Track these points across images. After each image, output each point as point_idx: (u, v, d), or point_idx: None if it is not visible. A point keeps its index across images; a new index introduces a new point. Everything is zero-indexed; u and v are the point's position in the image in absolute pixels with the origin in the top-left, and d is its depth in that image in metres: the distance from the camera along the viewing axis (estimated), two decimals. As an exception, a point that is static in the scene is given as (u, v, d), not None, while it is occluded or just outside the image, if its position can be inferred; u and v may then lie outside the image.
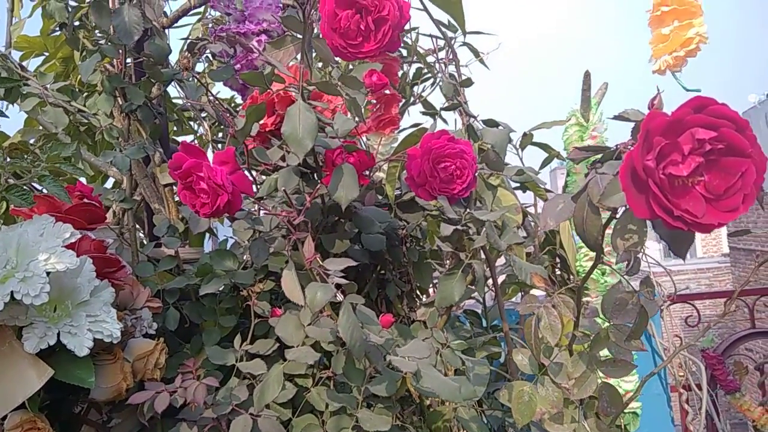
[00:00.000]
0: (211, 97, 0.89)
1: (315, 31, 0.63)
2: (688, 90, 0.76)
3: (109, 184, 1.40)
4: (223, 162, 0.62)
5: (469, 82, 0.83)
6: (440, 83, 1.38)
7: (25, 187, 0.68)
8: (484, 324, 1.28)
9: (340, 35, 0.53)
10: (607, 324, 0.65)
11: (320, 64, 1.18)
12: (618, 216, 0.49)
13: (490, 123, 0.79)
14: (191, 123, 1.36)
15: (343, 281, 0.55)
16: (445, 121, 1.43)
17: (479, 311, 1.30)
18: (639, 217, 0.42)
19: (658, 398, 1.76)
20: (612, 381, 0.78)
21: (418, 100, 1.42)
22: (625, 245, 0.47)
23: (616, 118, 0.47)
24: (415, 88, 1.44)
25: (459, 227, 0.69)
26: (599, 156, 0.49)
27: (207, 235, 1.36)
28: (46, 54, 1.46)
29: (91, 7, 0.85)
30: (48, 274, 0.62)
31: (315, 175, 0.74)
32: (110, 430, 0.82)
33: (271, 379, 0.63)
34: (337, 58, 0.87)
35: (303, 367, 0.73)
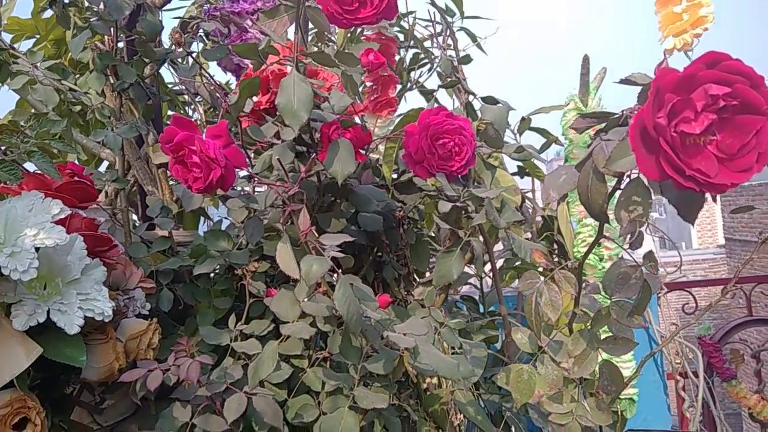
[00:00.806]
0: (206, 79, 0.87)
1: (309, 2, 0.61)
2: None
3: (103, 168, 1.38)
4: (216, 136, 0.61)
5: (467, 59, 0.81)
6: (438, 64, 1.37)
7: (13, 163, 0.67)
8: (481, 309, 1.27)
9: (336, 1, 0.52)
10: (608, 302, 0.64)
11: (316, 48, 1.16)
12: (622, 187, 0.48)
13: (490, 100, 0.77)
14: (186, 108, 1.34)
15: (340, 254, 0.54)
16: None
17: (476, 298, 1.29)
18: (649, 178, 0.40)
19: (655, 385, 1.76)
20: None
21: (414, 86, 1.41)
22: (630, 217, 0.46)
23: (622, 81, 0.46)
24: (412, 74, 1.43)
25: (458, 204, 0.67)
26: (603, 125, 0.48)
27: (201, 219, 1.35)
28: (38, 36, 1.44)
29: (81, -18, 0.83)
30: (37, 249, 0.61)
31: (310, 152, 0.73)
32: (103, 412, 0.81)
33: (265, 356, 0.62)
34: (332, 38, 0.86)
35: (299, 347, 0.72)
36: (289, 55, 0.61)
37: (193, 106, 1.26)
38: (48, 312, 0.63)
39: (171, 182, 1.07)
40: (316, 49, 0.84)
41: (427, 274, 1.02)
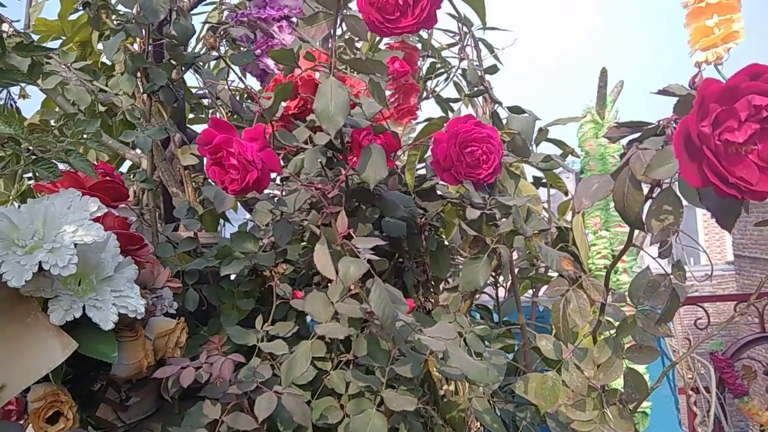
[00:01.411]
0: (231, 83, 0.89)
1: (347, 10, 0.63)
2: None
3: (124, 168, 1.40)
4: (253, 139, 0.62)
5: (494, 69, 0.82)
6: (455, 76, 1.38)
7: (51, 161, 0.68)
8: (496, 318, 1.28)
9: (378, 9, 0.53)
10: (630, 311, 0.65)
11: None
12: (654, 196, 0.49)
13: (516, 110, 0.79)
14: (207, 111, 1.36)
15: (375, 257, 0.55)
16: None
17: (490, 306, 1.30)
18: (691, 185, 0.41)
19: (667, 400, 1.76)
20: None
21: (431, 95, 1.42)
22: (662, 225, 0.47)
23: (660, 92, 0.47)
24: (429, 83, 1.45)
25: (485, 212, 0.69)
26: (637, 135, 0.49)
27: (221, 222, 1.37)
28: (63, 38, 1.47)
29: (116, -13, 0.85)
30: (75, 246, 0.62)
31: (339, 157, 0.74)
32: (127, 409, 0.82)
33: (298, 355, 0.63)
34: (358, 44, 0.87)
35: (323, 349, 0.73)
36: (325, 61, 0.62)
37: (214, 109, 1.28)
38: (83, 308, 0.64)
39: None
40: (346, 56, 0.86)
41: (450, 281, 1.03)
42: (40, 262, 0.60)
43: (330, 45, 0.59)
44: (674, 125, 0.45)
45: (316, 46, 0.62)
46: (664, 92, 0.47)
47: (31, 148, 0.71)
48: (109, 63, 1.40)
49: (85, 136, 0.75)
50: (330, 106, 0.57)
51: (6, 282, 0.59)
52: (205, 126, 1.49)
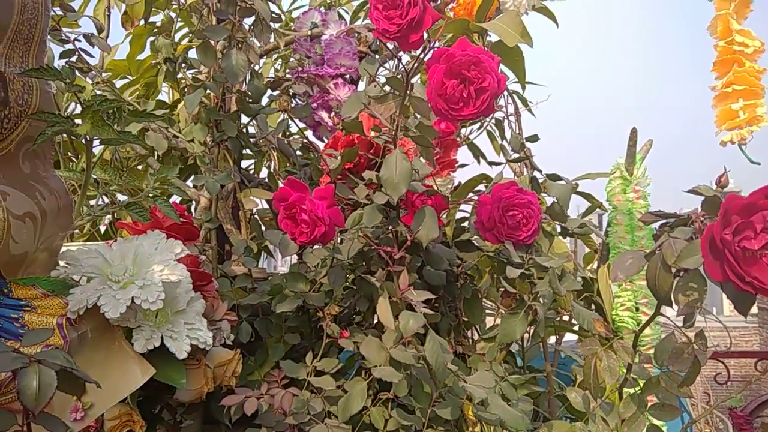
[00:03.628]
0: (293, 137, 0.98)
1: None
2: (752, 162, 0.83)
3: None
4: (323, 197, 0.71)
5: (535, 138, 0.90)
6: (486, 127, 1.48)
7: (141, 204, 0.77)
8: (519, 362, 1.33)
9: (444, 100, 0.62)
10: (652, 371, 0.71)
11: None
12: (681, 275, 0.55)
13: (554, 177, 0.86)
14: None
15: (429, 312, 0.63)
16: (490, 164, 1.52)
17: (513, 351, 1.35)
18: (714, 280, 0.48)
19: (684, 453, 1.77)
20: None
21: (464, 143, 1.51)
22: (687, 300, 0.54)
23: (690, 191, 0.55)
24: (463, 131, 1.53)
25: (524, 271, 0.76)
26: (667, 220, 0.56)
27: (262, 254, 1.45)
28: (129, 78, 1.59)
29: (197, 48, 0.96)
30: (162, 283, 0.70)
31: (393, 212, 0.82)
32: (180, 431, 0.90)
33: (355, 392, 0.70)
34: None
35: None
36: (389, 134, 0.71)
37: (268, 155, 1.37)
38: (162, 338, 0.72)
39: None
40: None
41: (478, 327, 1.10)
42: (132, 297, 0.68)
43: (397, 121, 0.68)
44: (701, 220, 0.53)
45: (382, 119, 0.71)
46: (693, 192, 0.54)
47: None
48: (167, 101, 1.51)
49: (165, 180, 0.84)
50: (395, 176, 0.65)
51: (103, 313, 0.67)
52: (252, 161, 1.59)
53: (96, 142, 0.72)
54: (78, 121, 0.66)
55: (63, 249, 0.75)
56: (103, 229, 1.45)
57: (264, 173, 1.48)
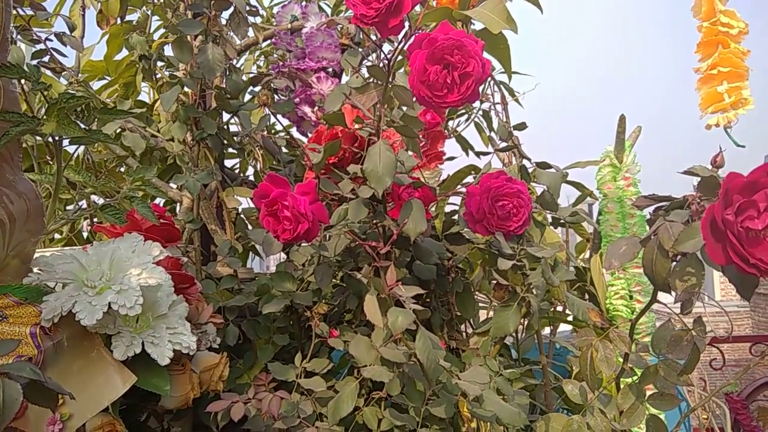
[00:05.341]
0: (276, 132, 0.96)
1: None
2: (738, 145, 0.82)
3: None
4: (305, 193, 0.68)
5: (523, 126, 0.88)
6: (475, 115, 1.46)
7: (117, 206, 0.74)
8: (514, 355, 1.32)
9: (427, 86, 0.59)
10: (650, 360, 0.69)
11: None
12: (678, 260, 0.53)
13: (543, 165, 0.84)
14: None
15: (418, 308, 0.60)
16: (478, 155, 1.50)
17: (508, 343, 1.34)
18: (716, 263, 0.46)
19: (682, 440, 1.76)
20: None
21: (452, 135, 1.49)
22: (684, 286, 0.52)
23: (685, 173, 0.53)
24: (450, 123, 1.51)
25: (515, 262, 0.74)
26: (662, 204, 0.54)
27: (254, 257, 1.42)
28: (108, 78, 1.55)
29: (173, 44, 0.93)
30: (140, 288, 0.68)
31: (379, 206, 0.80)
32: (168, 439, 0.87)
33: (345, 395, 0.68)
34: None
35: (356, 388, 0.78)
36: (372, 125, 0.68)
37: (251, 152, 1.34)
38: (142, 344, 0.70)
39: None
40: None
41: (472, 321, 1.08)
42: (109, 303, 0.65)
43: (378, 111, 0.65)
44: (698, 202, 0.51)
45: (364, 110, 0.68)
46: (688, 172, 0.52)
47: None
48: (147, 101, 1.48)
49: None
50: (379, 167, 0.63)
51: (78, 320, 0.64)
52: (236, 161, 1.56)
53: (68, 143, 0.69)
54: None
55: (37, 255, 0.72)
56: (85, 234, 1.42)
57: (250, 172, 1.45)
